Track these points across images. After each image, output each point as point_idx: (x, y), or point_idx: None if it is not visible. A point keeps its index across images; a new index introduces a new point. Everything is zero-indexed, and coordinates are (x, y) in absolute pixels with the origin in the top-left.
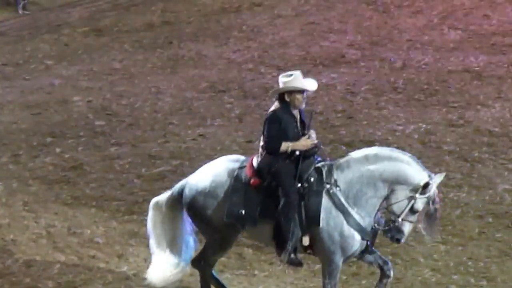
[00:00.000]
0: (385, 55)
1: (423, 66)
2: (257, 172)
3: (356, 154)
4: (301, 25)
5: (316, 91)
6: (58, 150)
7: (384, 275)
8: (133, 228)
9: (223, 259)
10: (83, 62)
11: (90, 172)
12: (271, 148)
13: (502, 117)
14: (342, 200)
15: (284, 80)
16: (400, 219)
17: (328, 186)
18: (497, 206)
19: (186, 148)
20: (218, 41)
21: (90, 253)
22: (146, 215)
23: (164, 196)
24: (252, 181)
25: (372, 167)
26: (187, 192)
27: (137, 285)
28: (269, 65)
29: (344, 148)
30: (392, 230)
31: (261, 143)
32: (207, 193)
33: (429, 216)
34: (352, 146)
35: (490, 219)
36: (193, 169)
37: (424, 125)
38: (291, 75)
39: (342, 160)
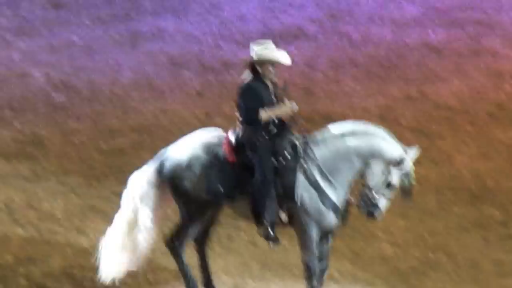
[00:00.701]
0: (344, 30)
1: (382, 41)
2: (235, 147)
3: (332, 129)
4: (261, 0)
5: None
6: (17, 124)
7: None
8: (92, 202)
9: None
10: (42, 36)
11: (49, 146)
12: (249, 118)
13: (461, 92)
14: (317, 175)
15: (257, 50)
16: (375, 194)
17: (303, 161)
18: (456, 181)
19: (146, 122)
20: (178, 15)
21: (49, 227)
22: (107, 189)
23: (142, 170)
24: (229, 157)
25: (348, 142)
26: (167, 165)
27: (96, 260)
28: (228, 40)
29: (303, 123)
30: (367, 205)
31: (238, 117)
32: (186, 167)
33: (403, 190)
34: (311, 121)
35: (449, 194)
36: (153, 143)
37: (382, 100)
38: (264, 45)
39: (317, 135)
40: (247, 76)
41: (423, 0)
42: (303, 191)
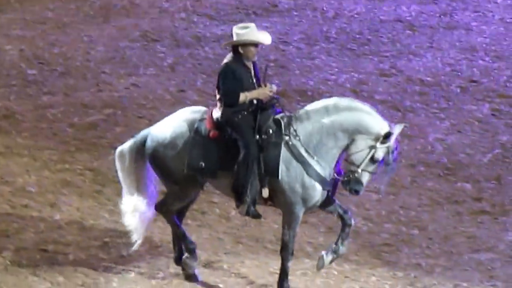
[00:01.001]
0: (318, 4)
1: (355, 16)
2: (217, 124)
3: (315, 105)
4: None
5: None
6: None
7: (345, 224)
8: (66, 177)
9: None
10: (15, 11)
11: (22, 121)
12: (229, 101)
13: (434, 67)
14: (302, 151)
15: (239, 32)
16: (359, 170)
17: (287, 137)
18: (428, 155)
19: (119, 97)
20: None
21: (23, 202)
22: (80, 164)
23: (127, 145)
24: (211, 133)
25: (332, 117)
26: (149, 142)
27: (69, 234)
28: (201, 14)
29: (284, 101)
30: (351, 181)
31: (218, 97)
32: (167, 144)
33: (387, 165)
34: (285, 95)
35: (422, 168)
36: (126, 117)
37: (356, 75)
38: (246, 27)
39: (301, 112)
40: (229, 57)
41: None
42: (287, 167)
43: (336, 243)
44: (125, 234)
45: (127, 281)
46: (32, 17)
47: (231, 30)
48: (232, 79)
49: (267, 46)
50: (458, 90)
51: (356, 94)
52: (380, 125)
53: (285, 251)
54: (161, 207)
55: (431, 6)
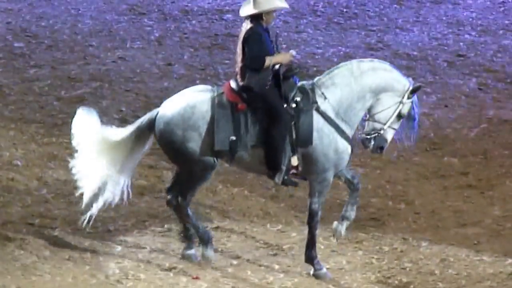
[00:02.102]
0: None
1: None
2: (242, 96)
3: (338, 71)
4: None
5: (235, 14)
6: None
7: (353, 189)
8: (53, 150)
9: (142, 181)
10: None
11: (9, 94)
12: (256, 65)
13: (421, 41)
14: (333, 116)
15: (264, 1)
16: (386, 126)
17: (317, 104)
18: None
19: (106, 70)
20: None
21: (9, 176)
22: (67, 138)
23: (127, 131)
24: (239, 105)
25: (359, 80)
26: (162, 126)
27: (56, 208)
28: None
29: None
30: (376, 139)
31: (240, 64)
32: (188, 126)
33: (413, 120)
34: None
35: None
36: (113, 91)
37: (343, 49)
38: None
39: (323, 79)
40: (249, 24)
41: None
42: (320, 133)
43: (346, 210)
44: (114, 208)
45: (113, 256)
46: None
47: None
48: (258, 43)
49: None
50: (445, 65)
51: None
52: (403, 81)
53: (314, 220)
54: (175, 199)
55: None
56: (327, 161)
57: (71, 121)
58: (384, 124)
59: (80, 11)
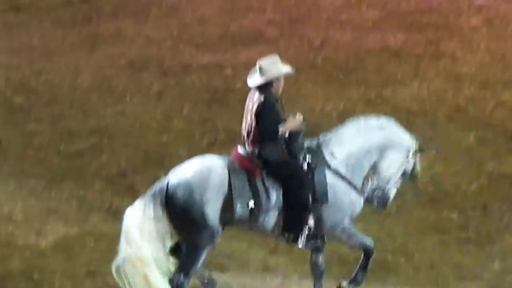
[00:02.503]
0: (304, 33)
1: (342, 44)
2: (255, 161)
3: (344, 128)
4: (220, 3)
5: (234, 69)
6: None
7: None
8: (52, 205)
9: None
10: (1, 39)
11: (8, 148)
12: (271, 135)
13: (420, 96)
14: (343, 171)
15: (271, 68)
16: (391, 184)
17: (327, 162)
18: (415, 183)
19: (105, 125)
20: (137, 18)
21: (8, 230)
22: (66, 192)
23: (142, 203)
24: (255, 172)
25: (366, 138)
26: (181, 192)
27: (55, 262)
28: (188, 43)
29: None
30: (381, 196)
31: (251, 133)
32: (206, 188)
33: (414, 177)
34: None
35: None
36: (112, 146)
37: (342, 103)
38: (274, 61)
39: (330, 135)
40: (259, 93)
41: (383, 4)
42: (334, 189)
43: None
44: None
45: None
46: (19, 45)
47: (257, 65)
48: (273, 115)
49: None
50: (444, 119)
51: (342, 122)
52: (408, 139)
53: (371, 253)
54: (187, 272)
55: (416, 35)
56: (343, 213)
57: (70, 176)
58: (388, 181)
59: (79, 66)
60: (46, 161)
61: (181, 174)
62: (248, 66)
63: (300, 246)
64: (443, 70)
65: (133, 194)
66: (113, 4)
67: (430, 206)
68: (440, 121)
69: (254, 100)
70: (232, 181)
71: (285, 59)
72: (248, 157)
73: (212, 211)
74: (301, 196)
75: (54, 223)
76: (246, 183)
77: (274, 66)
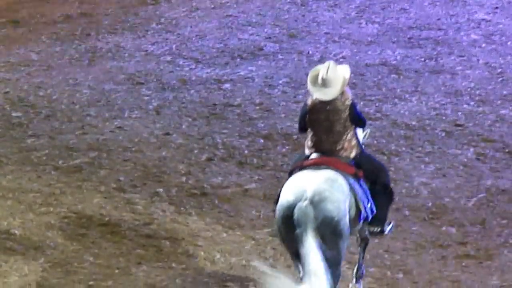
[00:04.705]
0: (303, 48)
1: (341, 59)
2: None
3: None
4: (219, 18)
5: (234, 84)
6: None
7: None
8: (50, 220)
9: (140, 251)
10: (0, 53)
11: (6, 163)
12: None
13: (419, 111)
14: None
15: (336, 73)
16: None
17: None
18: (413, 199)
19: (104, 140)
20: (136, 33)
21: (7, 245)
22: (64, 207)
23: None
24: (359, 173)
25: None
26: (335, 211)
27: (54, 277)
28: (187, 57)
29: (262, 141)
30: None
31: (339, 140)
32: (346, 197)
33: None
34: (270, 139)
35: (407, 212)
36: (111, 160)
37: None
38: (332, 66)
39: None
40: (330, 101)
41: (382, 19)
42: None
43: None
44: (113, 278)
45: None
46: (17, 60)
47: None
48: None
49: (252, 90)
50: (443, 134)
51: None
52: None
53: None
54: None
55: (416, 50)
56: None
57: (69, 191)
58: None
59: (78, 81)
60: (44, 176)
61: (317, 187)
62: (247, 81)
63: (386, 233)
64: (442, 85)
65: (132, 209)
66: (112, 18)
67: (428, 221)
68: (438, 136)
69: (328, 109)
70: (353, 188)
71: (284, 74)
72: (347, 162)
73: (348, 219)
74: (388, 184)
75: (53, 238)
76: (358, 185)
77: (336, 74)
